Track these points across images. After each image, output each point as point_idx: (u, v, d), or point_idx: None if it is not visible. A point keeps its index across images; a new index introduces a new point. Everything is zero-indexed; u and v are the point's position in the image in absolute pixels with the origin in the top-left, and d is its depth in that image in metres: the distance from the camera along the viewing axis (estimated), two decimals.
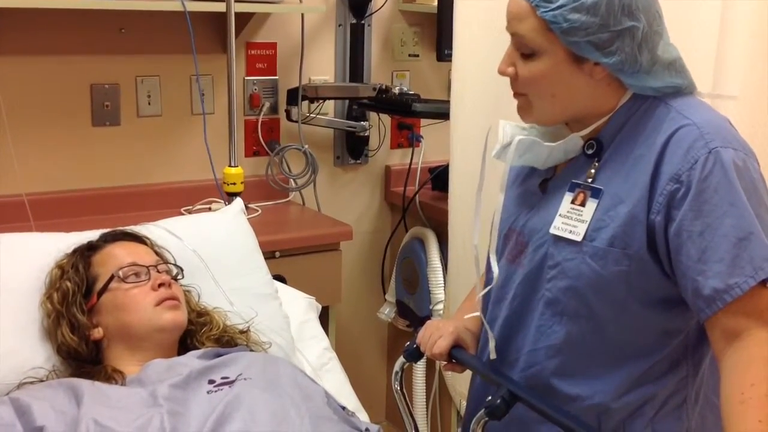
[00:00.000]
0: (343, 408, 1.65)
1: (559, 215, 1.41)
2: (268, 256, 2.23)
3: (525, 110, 1.43)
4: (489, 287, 1.51)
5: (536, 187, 1.49)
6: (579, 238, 1.37)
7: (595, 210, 1.37)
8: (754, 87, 1.76)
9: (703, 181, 1.28)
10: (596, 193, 1.38)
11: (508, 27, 1.38)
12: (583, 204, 1.39)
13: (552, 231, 1.41)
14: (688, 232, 1.28)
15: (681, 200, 1.29)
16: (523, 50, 1.37)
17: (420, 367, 2.73)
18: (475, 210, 1.49)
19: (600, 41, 1.32)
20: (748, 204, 1.27)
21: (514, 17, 1.37)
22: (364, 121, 2.90)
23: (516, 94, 1.43)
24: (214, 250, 1.98)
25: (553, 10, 1.31)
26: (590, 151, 1.41)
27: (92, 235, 1.84)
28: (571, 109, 1.40)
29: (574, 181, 1.41)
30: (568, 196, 1.41)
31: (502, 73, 1.41)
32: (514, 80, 1.41)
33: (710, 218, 1.27)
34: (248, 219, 2.19)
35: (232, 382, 1.54)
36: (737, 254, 1.26)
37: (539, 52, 1.35)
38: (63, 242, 1.82)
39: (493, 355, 1.50)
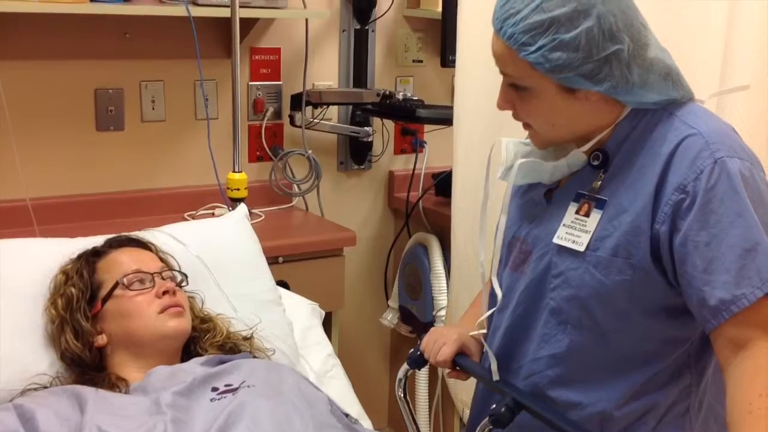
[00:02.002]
0: (347, 415, 1.65)
1: (563, 225, 1.41)
2: (272, 261, 2.23)
3: (534, 138, 1.44)
4: (491, 311, 1.51)
5: (541, 196, 1.49)
6: (582, 249, 1.37)
7: (599, 221, 1.37)
8: (762, 86, 1.75)
9: (709, 191, 1.27)
10: (601, 204, 1.38)
11: (497, 65, 1.38)
12: (587, 214, 1.38)
13: (555, 241, 1.41)
14: (694, 242, 1.28)
15: (687, 210, 1.29)
16: (516, 86, 1.37)
17: (423, 374, 2.72)
18: (480, 227, 1.48)
19: (587, 72, 1.31)
20: (755, 214, 1.27)
21: (498, 58, 1.36)
22: (367, 126, 2.90)
23: (524, 125, 1.43)
24: (218, 256, 1.98)
25: (533, 52, 1.30)
26: (596, 162, 1.40)
27: (97, 240, 1.84)
28: (575, 131, 1.40)
29: (579, 191, 1.41)
30: (572, 206, 1.41)
31: (500, 108, 1.42)
32: (514, 113, 1.41)
33: (716, 229, 1.27)
34: (252, 224, 2.19)
35: (236, 389, 1.54)
36: (744, 265, 1.26)
37: (531, 89, 1.35)
38: (67, 247, 1.81)
39: (495, 377, 1.49)
